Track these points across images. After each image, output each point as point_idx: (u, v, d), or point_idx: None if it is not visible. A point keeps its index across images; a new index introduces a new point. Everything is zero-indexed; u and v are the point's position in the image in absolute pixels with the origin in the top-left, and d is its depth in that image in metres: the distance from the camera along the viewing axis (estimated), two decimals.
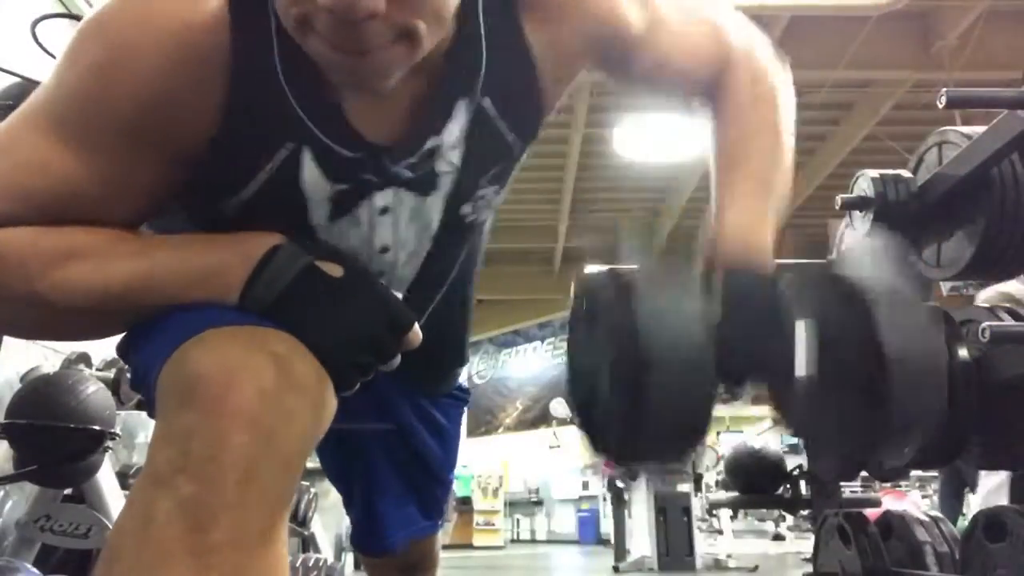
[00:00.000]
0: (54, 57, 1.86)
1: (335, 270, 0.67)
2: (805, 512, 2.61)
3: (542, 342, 13.11)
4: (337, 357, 0.64)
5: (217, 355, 0.58)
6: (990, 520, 1.46)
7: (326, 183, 0.72)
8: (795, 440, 6.54)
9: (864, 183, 1.75)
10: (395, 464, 1.12)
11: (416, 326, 0.70)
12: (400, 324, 0.69)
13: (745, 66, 0.91)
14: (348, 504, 1.17)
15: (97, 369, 2.42)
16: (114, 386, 2.27)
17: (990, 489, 3.49)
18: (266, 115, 0.68)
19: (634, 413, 0.65)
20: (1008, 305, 1.69)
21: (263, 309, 0.64)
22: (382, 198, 0.76)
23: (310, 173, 0.71)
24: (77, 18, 2.66)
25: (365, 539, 1.16)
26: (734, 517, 8.62)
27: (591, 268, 0.77)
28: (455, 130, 0.74)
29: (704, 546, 7.27)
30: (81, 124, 0.66)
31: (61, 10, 2.95)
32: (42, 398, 1.65)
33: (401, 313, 0.69)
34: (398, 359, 0.70)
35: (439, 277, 0.90)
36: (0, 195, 0.65)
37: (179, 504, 0.52)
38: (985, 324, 1.35)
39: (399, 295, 0.76)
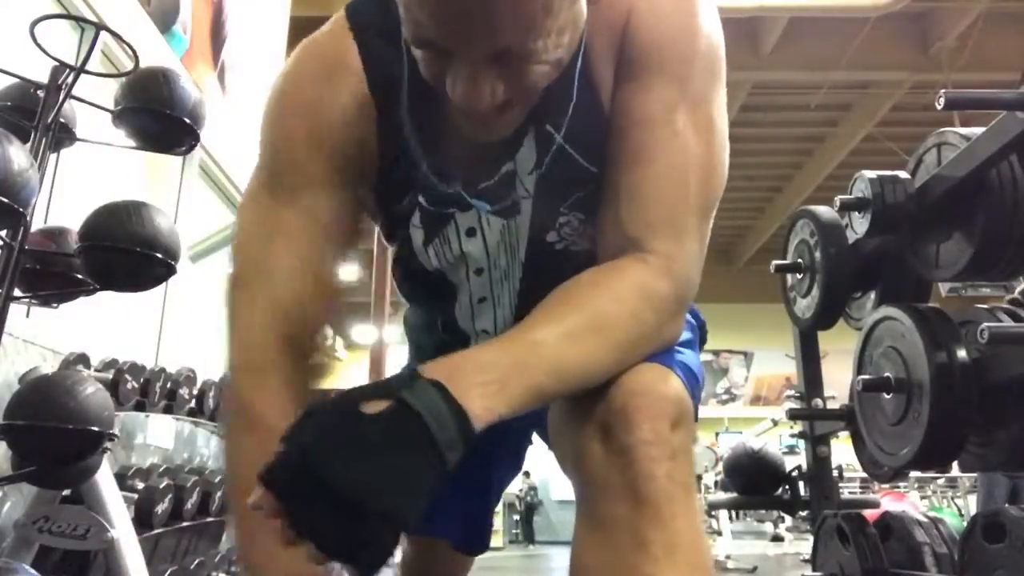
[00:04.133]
0: (53, 57, 1.86)
1: None
2: (804, 513, 2.61)
3: None
4: None
5: None
6: (989, 521, 1.47)
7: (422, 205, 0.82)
8: (794, 441, 6.52)
9: (862, 184, 1.75)
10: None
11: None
12: None
13: (651, 279, 0.72)
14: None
15: (96, 370, 2.42)
16: (112, 387, 2.27)
17: None
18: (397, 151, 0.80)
19: None
20: (1007, 306, 1.69)
21: None
22: (465, 220, 0.83)
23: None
24: (77, 18, 2.66)
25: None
26: (734, 518, 8.63)
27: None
28: (527, 157, 0.80)
29: None
30: (279, 171, 0.80)
31: (61, 10, 2.95)
32: (41, 399, 1.65)
33: None
34: None
35: None
36: (240, 268, 0.81)
37: None
38: (984, 325, 1.35)
39: (507, 318, 0.88)
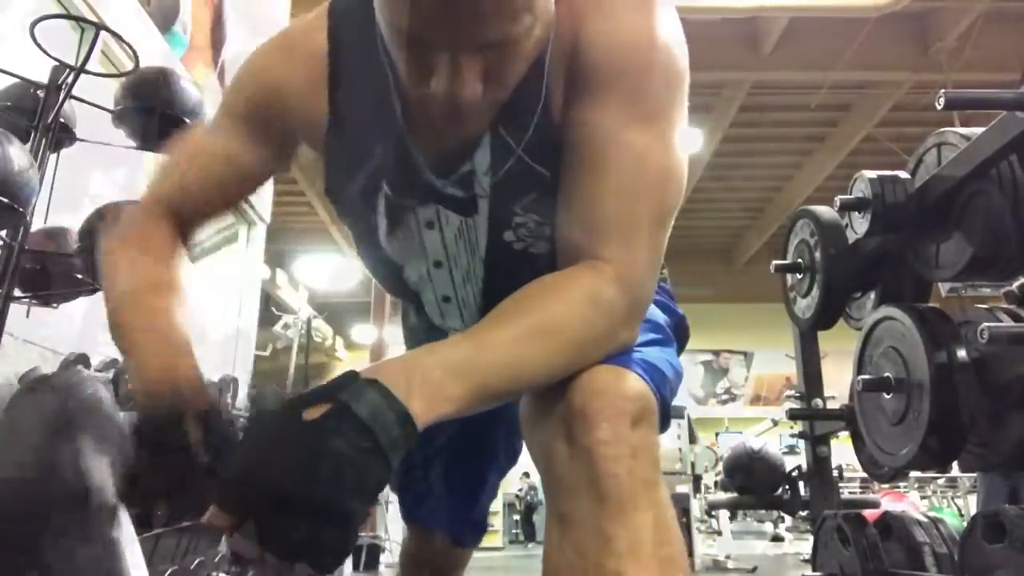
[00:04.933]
0: (53, 58, 1.86)
1: None
2: (804, 513, 2.61)
3: None
4: None
5: None
6: (989, 521, 1.47)
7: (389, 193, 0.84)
8: (794, 441, 6.53)
9: (862, 184, 1.75)
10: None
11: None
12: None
13: (601, 285, 0.73)
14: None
15: (96, 370, 2.42)
16: (112, 387, 2.27)
17: None
18: (361, 131, 0.83)
19: None
20: (1007, 306, 1.69)
21: None
22: (425, 213, 0.86)
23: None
24: (77, 18, 2.65)
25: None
26: (733, 518, 8.63)
27: None
28: (484, 158, 0.81)
29: (703, 547, 7.27)
30: (230, 107, 0.89)
31: (61, 10, 2.95)
32: None
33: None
34: None
35: None
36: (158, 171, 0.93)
37: None
38: (984, 325, 1.35)
39: (475, 318, 0.90)
